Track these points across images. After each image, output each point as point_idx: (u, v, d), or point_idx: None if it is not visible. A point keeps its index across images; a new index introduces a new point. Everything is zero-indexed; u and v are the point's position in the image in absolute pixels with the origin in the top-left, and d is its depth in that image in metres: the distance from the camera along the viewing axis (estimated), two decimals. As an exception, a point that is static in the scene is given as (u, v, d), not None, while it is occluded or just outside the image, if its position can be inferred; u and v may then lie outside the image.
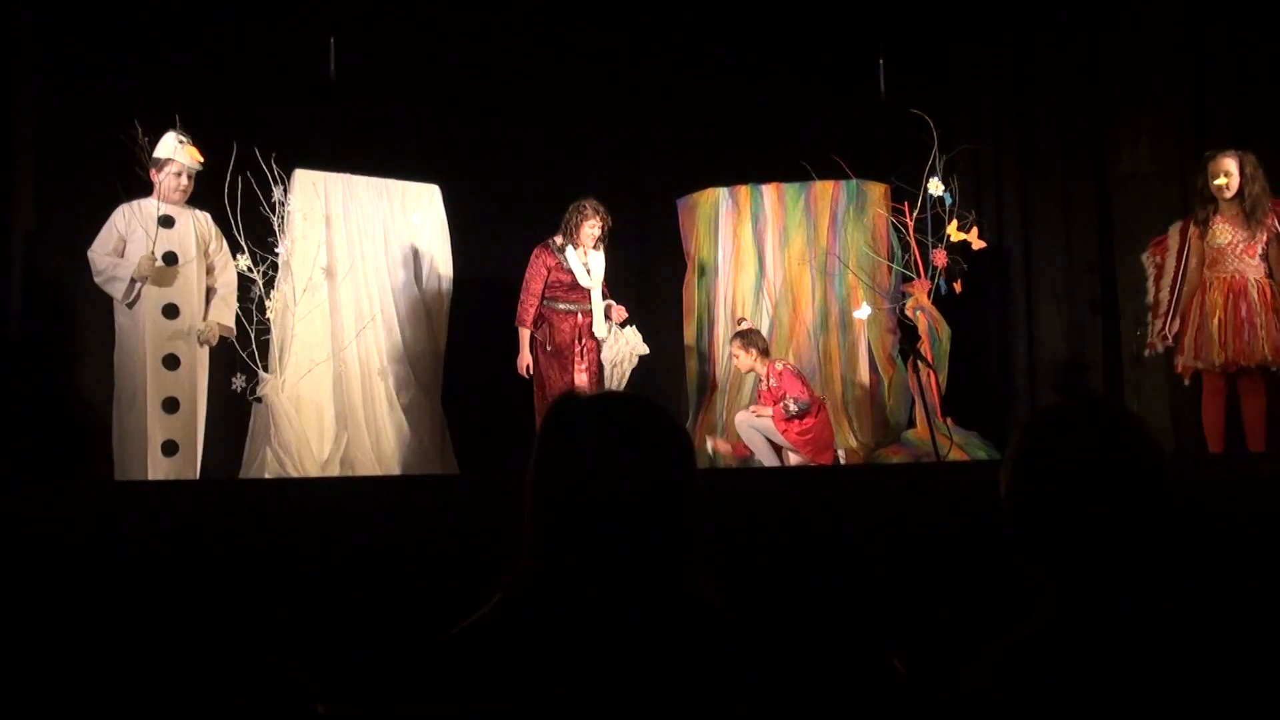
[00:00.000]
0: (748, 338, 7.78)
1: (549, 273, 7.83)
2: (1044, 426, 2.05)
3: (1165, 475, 1.97)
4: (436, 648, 1.80)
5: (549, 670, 1.74)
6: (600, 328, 7.88)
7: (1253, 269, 6.89)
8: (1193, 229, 7.07)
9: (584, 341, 7.86)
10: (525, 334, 7.83)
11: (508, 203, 8.77)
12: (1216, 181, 6.91)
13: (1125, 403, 7.81)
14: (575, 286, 7.86)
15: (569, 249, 7.84)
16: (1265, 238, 6.88)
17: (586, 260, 7.88)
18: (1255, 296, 6.85)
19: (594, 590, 1.80)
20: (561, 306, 7.86)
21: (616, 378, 7.88)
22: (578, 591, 1.81)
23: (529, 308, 7.82)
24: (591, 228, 7.80)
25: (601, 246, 7.93)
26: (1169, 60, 8.42)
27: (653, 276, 9.10)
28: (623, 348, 7.89)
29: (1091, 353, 8.60)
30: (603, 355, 7.90)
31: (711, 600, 1.83)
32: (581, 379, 7.78)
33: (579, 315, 7.87)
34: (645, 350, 7.97)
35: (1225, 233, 6.93)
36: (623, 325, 7.95)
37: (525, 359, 7.81)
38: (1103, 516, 1.94)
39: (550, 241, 7.87)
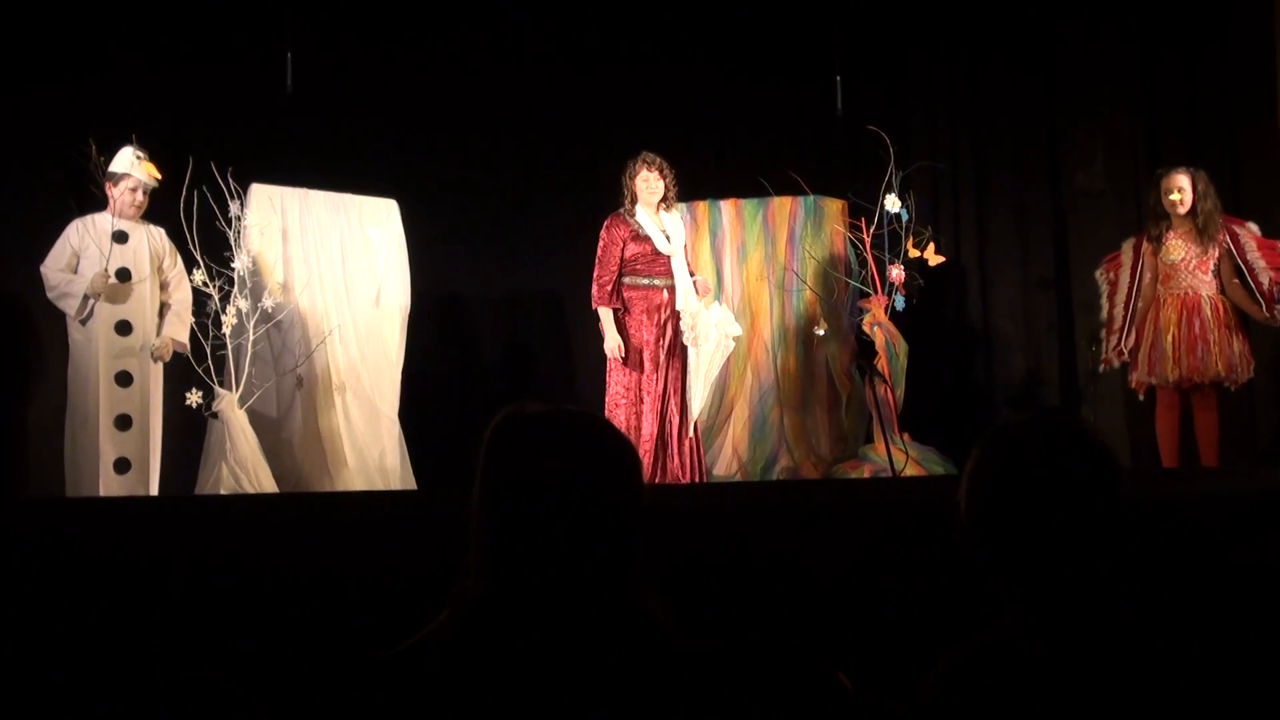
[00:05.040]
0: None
1: (623, 244, 7.13)
2: (1001, 441, 2.07)
3: (1121, 483, 2.00)
4: (382, 666, 1.79)
5: (498, 690, 1.73)
6: (689, 301, 7.15)
7: (1205, 285, 6.96)
8: (1146, 245, 7.14)
9: (667, 322, 7.19)
10: (607, 313, 7.11)
11: (466, 217, 8.73)
12: (1170, 197, 6.97)
13: (1080, 415, 7.86)
14: (655, 256, 7.16)
15: (638, 211, 7.19)
16: (1217, 253, 6.95)
17: (663, 226, 7.22)
18: (1209, 313, 6.92)
19: (542, 609, 1.79)
20: (643, 281, 7.18)
21: (711, 364, 7.20)
22: (526, 610, 1.79)
23: (605, 284, 7.12)
24: (645, 181, 7.18)
25: (673, 208, 7.34)
26: (1123, 79, 8.56)
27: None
28: (712, 331, 7.13)
29: (1047, 368, 8.67)
30: (686, 339, 7.15)
31: (662, 618, 1.82)
32: (662, 365, 7.11)
33: (664, 291, 7.19)
34: (738, 330, 7.31)
35: (1178, 249, 6.99)
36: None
37: (614, 339, 7.09)
38: (1061, 526, 1.96)
39: (620, 210, 7.27)
